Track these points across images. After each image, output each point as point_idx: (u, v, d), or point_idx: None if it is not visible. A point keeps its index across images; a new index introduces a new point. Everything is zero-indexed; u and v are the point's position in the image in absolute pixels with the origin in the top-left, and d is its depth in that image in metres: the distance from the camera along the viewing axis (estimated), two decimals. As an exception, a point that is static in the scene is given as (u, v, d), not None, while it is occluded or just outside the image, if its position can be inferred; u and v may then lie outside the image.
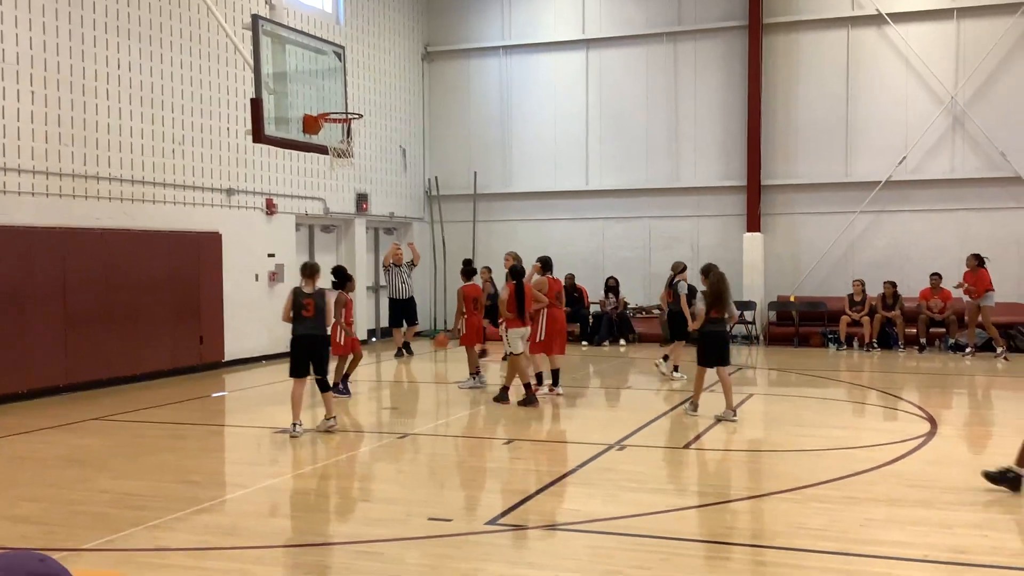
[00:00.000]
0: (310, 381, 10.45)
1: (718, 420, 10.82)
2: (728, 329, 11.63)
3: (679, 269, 14.46)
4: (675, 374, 14.31)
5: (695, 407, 11.26)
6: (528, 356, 12.45)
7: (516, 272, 12.34)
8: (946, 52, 19.54)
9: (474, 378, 13.58)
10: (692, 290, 13.63)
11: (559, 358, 12.85)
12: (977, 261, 17.35)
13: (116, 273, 14.14)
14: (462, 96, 23.06)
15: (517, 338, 12.08)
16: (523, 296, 12.10)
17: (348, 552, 6.42)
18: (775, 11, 20.49)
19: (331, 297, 10.47)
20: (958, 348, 17.75)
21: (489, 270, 17.91)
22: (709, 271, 11.35)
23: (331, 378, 11.24)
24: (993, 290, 17.20)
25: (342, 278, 12.45)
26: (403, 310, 17.97)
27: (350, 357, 12.83)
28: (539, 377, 12.72)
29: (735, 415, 10.88)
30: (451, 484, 8.56)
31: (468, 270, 13.98)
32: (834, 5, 20.21)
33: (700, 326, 11.13)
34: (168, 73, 15.46)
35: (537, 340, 12.49)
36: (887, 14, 19.64)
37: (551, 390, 12.63)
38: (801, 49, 20.55)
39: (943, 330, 18.30)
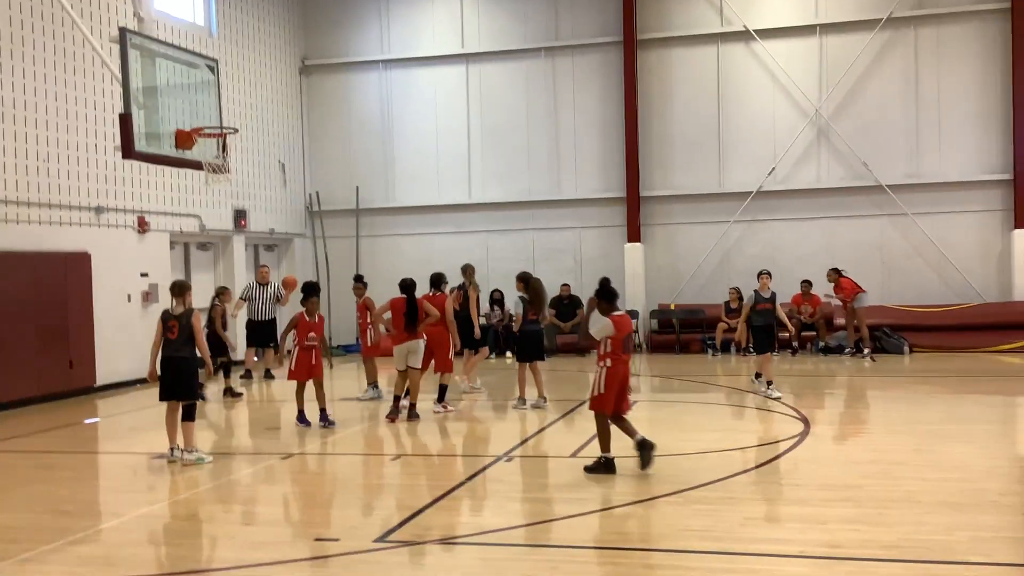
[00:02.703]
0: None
1: (534, 407, 12.51)
2: (541, 328, 13.09)
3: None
4: (770, 390, 13.14)
5: (523, 401, 12.71)
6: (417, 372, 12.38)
7: (405, 287, 12.26)
8: (810, 67, 20.41)
9: (372, 388, 13.83)
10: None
11: (447, 374, 12.83)
12: (836, 273, 18.41)
13: (-23, 297, 13.45)
14: (342, 110, 22.85)
15: (405, 353, 12.02)
16: (415, 310, 12.06)
17: (232, 577, 6.25)
18: (649, 27, 21.02)
19: (198, 318, 9.80)
20: (828, 351, 18.56)
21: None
22: (528, 279, 12.92)
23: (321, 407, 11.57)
24: (864, 291, 18.15)
25: (307, 295, 11.96)
26: (262, 333, 16.95)
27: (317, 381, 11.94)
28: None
29: (546, 402, 12.66)
30: (338, 503, 8.43)
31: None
32: (704, 22, 20.87)
33: (520, 326, 12.81)
34: (31, 88, 14.83)
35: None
36: (754, 30, 20.40)
37: (444, 406, 12.59)
38: (674, 64, 21.13)
39: (814, 333, 19.06)
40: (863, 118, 20.19)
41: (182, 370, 9.72)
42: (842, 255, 19.31)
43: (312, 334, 11.75)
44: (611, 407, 8.78)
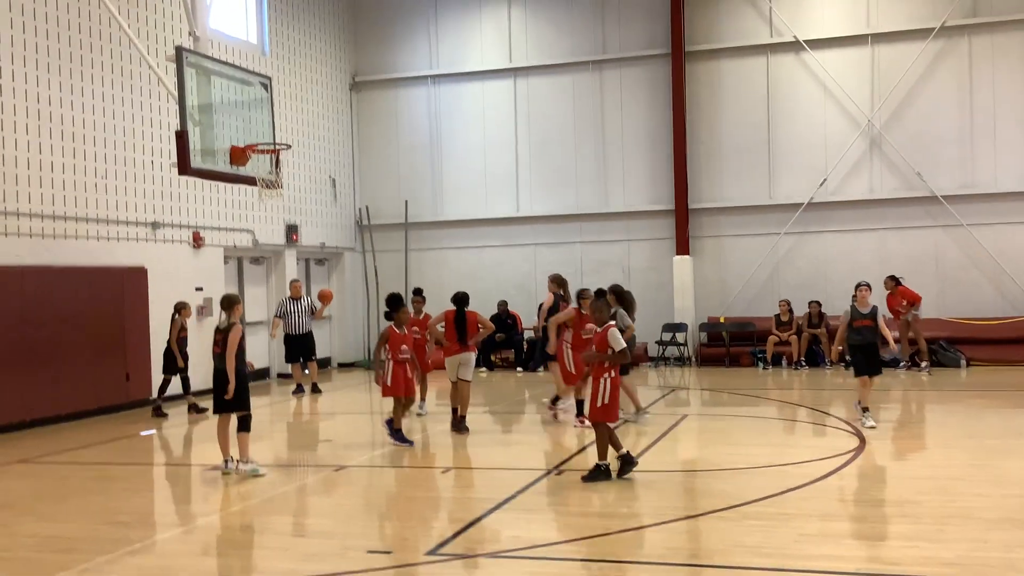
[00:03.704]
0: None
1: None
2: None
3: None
4: (865, 418, 11.84)
5: (640, 412, 12.45)
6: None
7: (458, 300, 12.37)
8: (862, 77, 20.17)
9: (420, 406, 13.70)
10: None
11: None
12: (893, 282, 17.98)
13: (37, 311, 13.76)
14: (391, 125, 23.06)
15: (457, 365, 12.14)
16: (464, 323, 12.16)
17: (286, 589, 6.31)
18: (697, 39, 20.94)
19: (234, 333, 9.72)
20: (883, 364, 18.21)
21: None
22: (620, 292, 12.67)
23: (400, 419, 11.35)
24: (920, 299, 17.82)
25: (394, 307, 11.55)
26: (300, 347, 17.15)
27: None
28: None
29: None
30: (389, 515, 8.48)
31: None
32: (754, 33, 20.74)
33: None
34: (90, 106, 15.18)
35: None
36: (804, 41, 20.22)
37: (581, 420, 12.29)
38: (723, 76, 21.02)
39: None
40: (916, 128, 19.90)
41: (219, 382, 9.84)
42: (895, 267, 18.96)
43: (404, 347, 11.43)
44: (615, 417, 9.12)
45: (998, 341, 18.50)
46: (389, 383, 11.26)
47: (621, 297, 12.60)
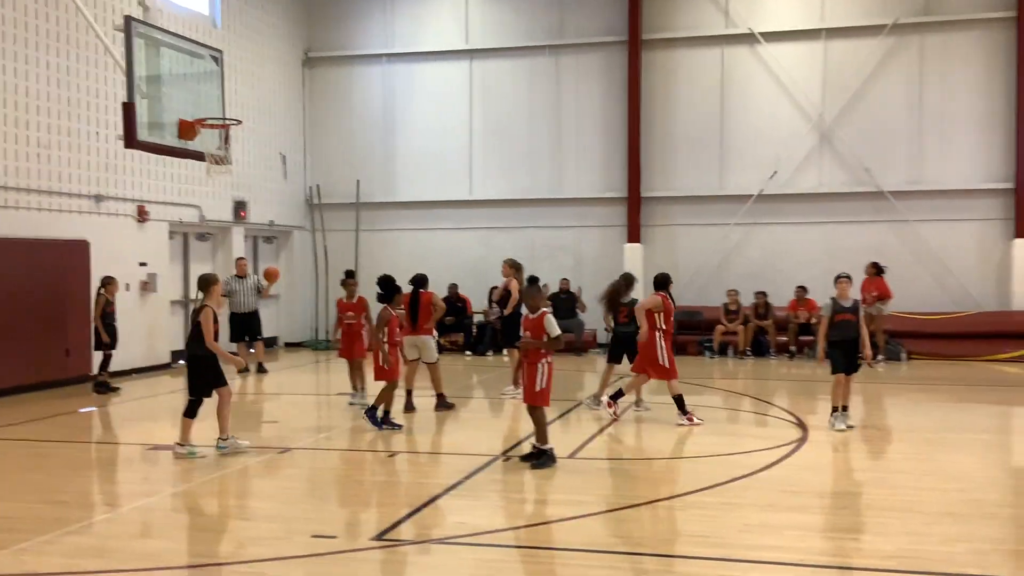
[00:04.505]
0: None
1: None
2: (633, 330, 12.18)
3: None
4: (834, 418, 11.08)
5: (597, 400, 12.32)
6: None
7: (413, 281, 12.35)
8: (814, 71, 20.38)
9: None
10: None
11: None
12: (876, 269, 18.09)
13: (-25, 283, 13.40)
14: (344, 103, 22.78)
15: (411, 345, 12.19)
16: (416, 305, 12.14)
17: (227, 572, 6.20)
18: (654, 28, 20.96)
19: (204, 315, 9.47)
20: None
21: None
22: (631, 279, 12.89)
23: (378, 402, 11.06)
24: (891, 296, 17.95)
25: (389, 290, 11.32)
26: (245, 325, 17.07)
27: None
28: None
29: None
30: (335, 499, 8.40)
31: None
32: (710, 23, 20.82)
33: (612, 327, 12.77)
34: (33, 74, 14.76)
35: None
36: (759, 33, 20.35)
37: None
38: (678, 65, 21.09)
39: (811, 338, 18.99)
40: (866, 124, 20.17)
41: (190, 367, 9.72)
42: (842, 260, 19.08)
43: (397, 330, 11.31)
44: (548, 402, 9.16)
45: (938, 336, 18.86)
46: (388, 366, 11.03)
47: (629, 286, 12.73)
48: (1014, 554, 6.62)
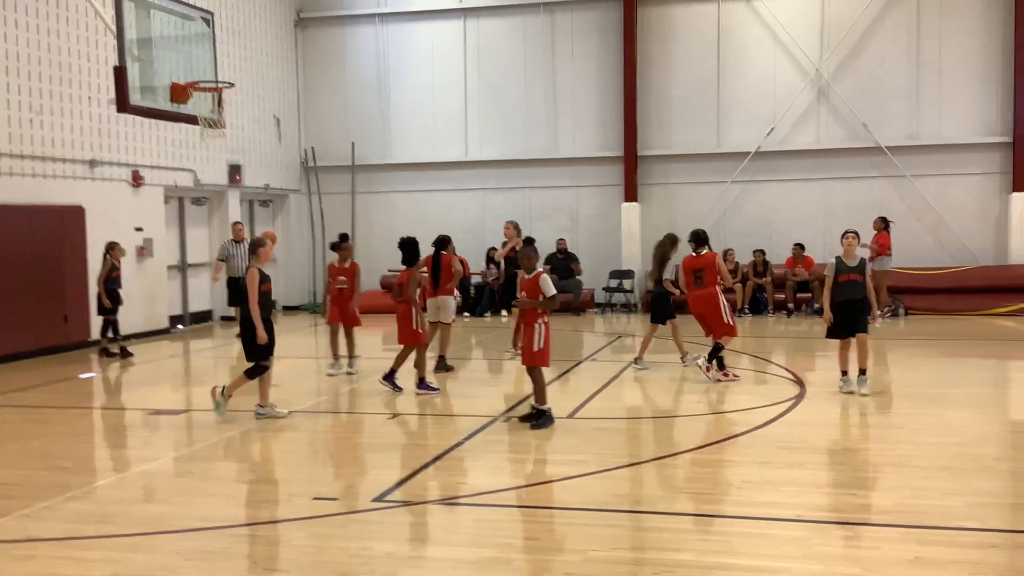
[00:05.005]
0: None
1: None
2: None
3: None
4: (844, 381, 10.74)
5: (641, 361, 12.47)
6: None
7: (436, 243, 12.37)
8: (811, 26, 20.19)
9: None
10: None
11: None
12: (883, 224, 17.97)
13: (-30, 250, 13.36)
14: (338, 64, 22.59)
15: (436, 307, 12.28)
16: (439, 268, 12.18)
17: (229, 536, 6.25)
18: (649, -17, 20.75)
19: (249, 276, 9.52)
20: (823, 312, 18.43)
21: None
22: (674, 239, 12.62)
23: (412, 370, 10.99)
24: (889, 255, 17.82)
25: (411, 253, 11.13)
26: (243, 290, 16.98)
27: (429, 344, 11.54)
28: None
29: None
30: (336, 462, 8.45)
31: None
32: (706, -22, 20.59)
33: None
34: (24, 39, 14.61)
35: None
36: (756, -12, 20.15)
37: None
38: (674, 22, 20.89)
39: (809, 295, 19.05)
40: (863, 79, 20.03)
41: (243, 329, 9.71)
42: (840, 216, 19.21)
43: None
44: (548, 362, 9.17)
45: (936, 291, 18.88)
46: (422, 330, 10.99)
47: (674, 245, 12.62)
48: (1011, 507, 6.67)
